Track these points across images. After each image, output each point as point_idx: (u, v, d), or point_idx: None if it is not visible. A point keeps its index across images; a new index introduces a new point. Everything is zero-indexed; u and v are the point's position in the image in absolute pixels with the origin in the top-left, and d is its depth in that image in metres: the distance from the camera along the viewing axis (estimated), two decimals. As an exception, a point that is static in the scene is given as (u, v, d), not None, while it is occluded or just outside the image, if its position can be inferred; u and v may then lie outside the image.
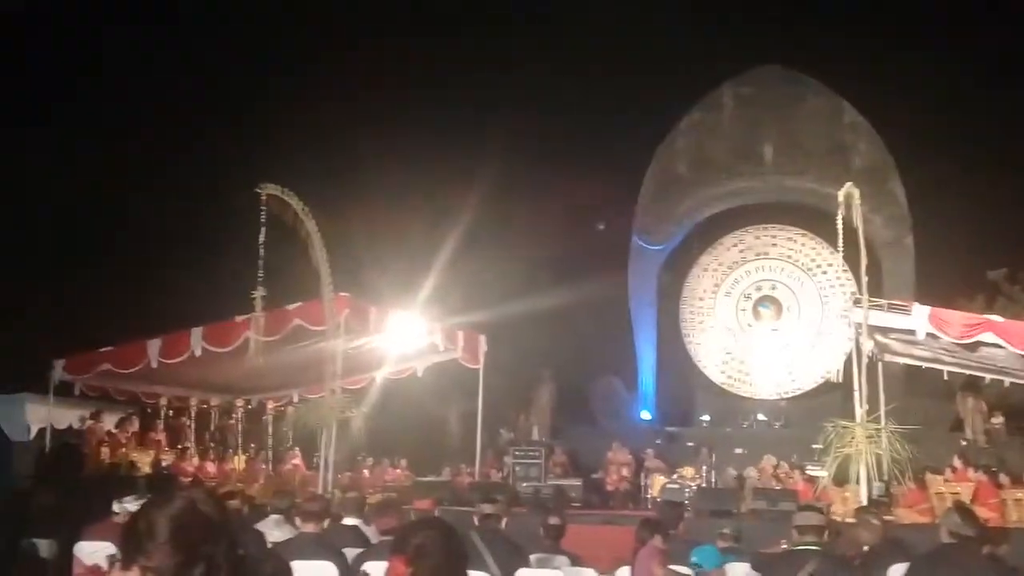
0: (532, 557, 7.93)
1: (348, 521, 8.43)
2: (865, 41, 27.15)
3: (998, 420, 22.37)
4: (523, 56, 28.85)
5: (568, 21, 28.70)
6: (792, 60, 27.72)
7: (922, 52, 26.21)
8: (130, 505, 7.75)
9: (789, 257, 28.27)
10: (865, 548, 7.89)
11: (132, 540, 2.27)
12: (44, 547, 9.10)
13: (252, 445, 22.06)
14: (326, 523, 7.73)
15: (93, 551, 7.61)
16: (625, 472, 22.29)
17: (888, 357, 16.75)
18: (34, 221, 23.29)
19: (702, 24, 28.68)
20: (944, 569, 6.16)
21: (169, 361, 16.35)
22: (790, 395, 27.26)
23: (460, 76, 27.87)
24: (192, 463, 19.89)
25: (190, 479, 18.49)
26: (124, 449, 19.18)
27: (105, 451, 18.76)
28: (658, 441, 24.35)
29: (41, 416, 18.55)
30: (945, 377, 17.60)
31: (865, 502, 11.97)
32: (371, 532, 8.31)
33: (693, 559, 7.16)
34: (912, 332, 14.99)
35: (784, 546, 7.31)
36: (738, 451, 23.60)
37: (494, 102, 28.12)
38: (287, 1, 28.38)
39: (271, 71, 27.60)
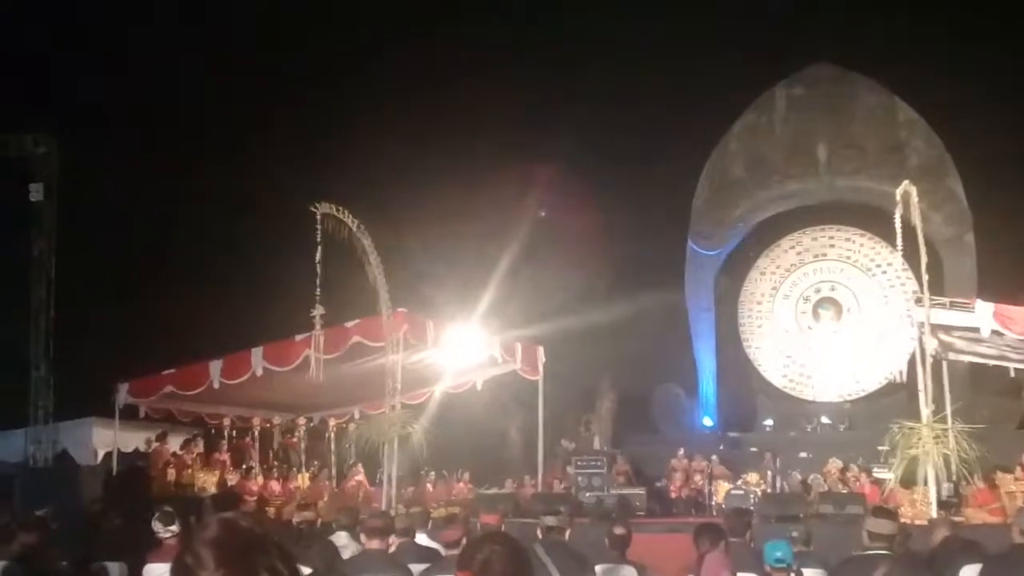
0: (598, 568, 7.89)
1: (419, 539, 8.44)
2: (918, 36, 26.85)
3: (1067, 415, 22.02)
4: (577, 66, 28.87)
5: (620, 27, 28.70)
6: (844, 58, 27.53)
7: (977, 46, 25.88)
8: (173, 527, 7.84)
9: (848, 258, 28.05)
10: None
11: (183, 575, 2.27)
12: (114, 570, 9.19)
13: (315, 463, 22.15)
14: (391, 539, 7.74)
15: (161, 573, 7.67)
16: (698, 479, 22.19)
17: (952, 356, 16.53)
18: (94, 245, 23.59)
19: (753, 26, 28.49)
20: (1018, 570, 6.06)
21: (231, 381, 16.47)
22: (853, 397, 27.02)
23: (516, 88, 27.91)
24: (257, 482, 20.00)
25: (255, 498, 18.61)
26: (190, 470, 19.33)
27: (171, 473, 18.93)
28: (721, 447, 24.24)
29: (108, 440, 18.78)
30: (1012, 374, 17.32)
31: (934, 503, 11.80)
32: (438, 547, 8.31)
33: (776, 554, 7.06)
34: (976, 330, 14.77)
35: (854, 552, 7.22)
36: (802, 455, 23.41)
37: (548, 112, 28.16)
38: (345, 18, 28.60)
39: (327, 87, 27.78)
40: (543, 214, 26.64)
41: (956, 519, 15.40)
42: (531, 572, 3.14)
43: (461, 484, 22.85)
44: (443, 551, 7.61)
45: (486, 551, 3.03)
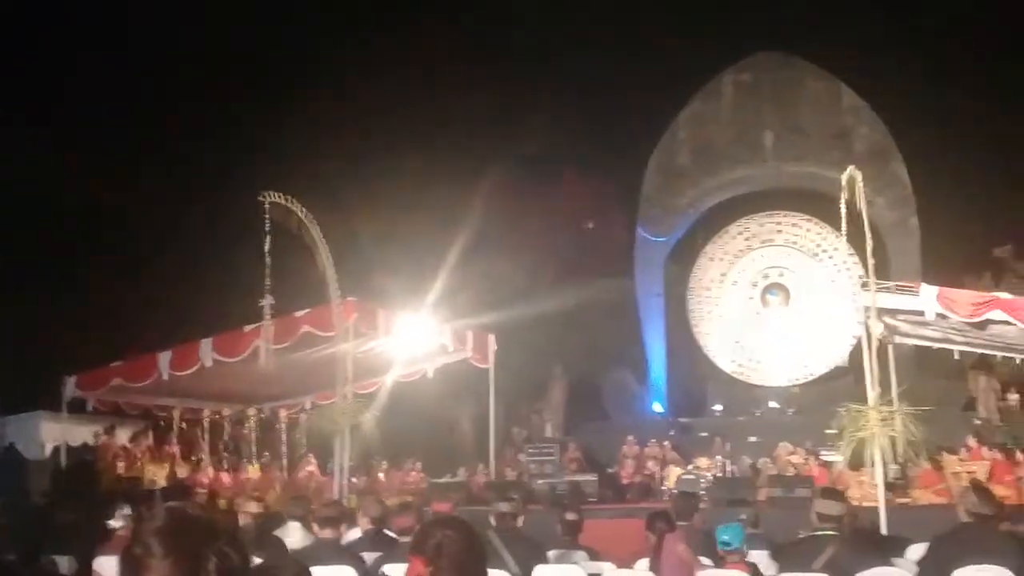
0: (550, 553, 7.94)
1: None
2: (863, 21, 27.07)
3: (1012, 397, 22.35)
4: (525, 55, 28.85)
5: (568, 16, 28.67)
6: (789, 44, 27.74)
7: (919, 30, 26.15)
8: (124, 512, 7.78)
9: (794, 243, 28.27)
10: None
11: (133, 566, 2.27)
12: (64, 564, 9.12)
13: (266, 454, 22.06)
14: (343, 528, 7.74)
15: (112, 566, 7.62)
16: (651, 465, 22.29)
17: (898, 339, 16.68)
18: (37, 236, 23.31)
19: (697, 11, 28.60)
20: (963, 548, 6.16)
21: (180, 373, 16.36)
22: (802, 381, 27.27)
23: (462, 75, 27.84)
24: (207, 474, 19.91)
25: (206, 490, 18.52)
26: (139, 463, 19.22)
27: (120, 466, 18.81)
28: (671, 433, 24.37)
29: (55, 433, 18.60)
30: (956, 357, 17.50)
31: (881, 485, 11.96)
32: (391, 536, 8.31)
33: (723, 537, 7.14)
34: (921, 313, 14.93)
35: (801, 534, 7.31)
36: (752, 439, 23.60)
37: (498, 102, 28.11)
38: (295, 4, 28.42)
39: (271, 73, 27.58)
40: (494, 203, 26.57)
41: (902, 500, 15.70)
42: (484, 556, 3.16)
43: (413, 473, 22.84)
44: (395, 535, 7.62)
45: (438, 536, 3.05)
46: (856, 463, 14.26)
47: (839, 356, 25.67)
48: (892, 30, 26.27)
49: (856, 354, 15.46)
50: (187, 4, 26.72)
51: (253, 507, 8.47)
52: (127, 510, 7.73)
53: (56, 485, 16.81)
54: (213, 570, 2.25)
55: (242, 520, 8.43)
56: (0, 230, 20.51)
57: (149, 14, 26.46)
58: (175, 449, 20.56)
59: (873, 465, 11.97)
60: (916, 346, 18.05)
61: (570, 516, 8.74)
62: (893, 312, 15.18)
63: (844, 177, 11.81)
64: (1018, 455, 18.09)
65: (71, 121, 25.16)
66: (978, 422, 21.32)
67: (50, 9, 25.56)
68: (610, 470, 22.54)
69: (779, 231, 28.54)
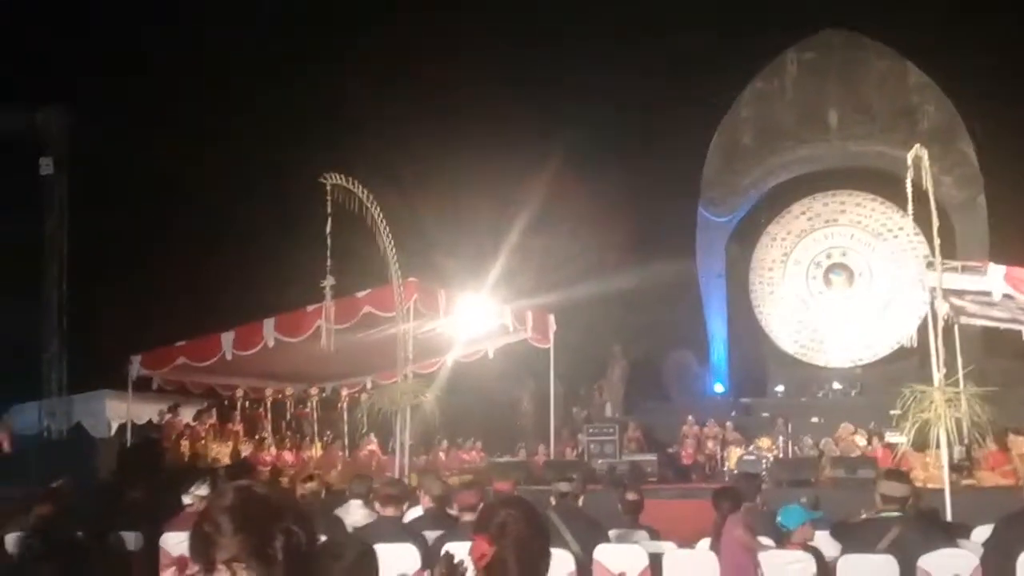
0: (611, 533, 7.95)
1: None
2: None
3: (1080, 377, 21.97)
4: (588, 35, 28.74)
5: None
6: (854, 22, 27.38)
7: (986, 6, 25.71)
8: (200, 491, 7.86)
9: (859, 223, 28.00)
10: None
11: (202, 543, 2.30)
12: (131, 540, 9.26)
13: (328, 432, 22.23)
14: (405, 506, 7.79)
15: (178, 542, 7.72)
16: (711, 445, 22.27)
17: (964, 319, 16.52)
18: (104, 218, 23.59)
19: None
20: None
21: (243, 353, 16.52)
22: (865, 362, 27.04)
23: (526, 58, 27.81)
24: (270, 453, 20.10)
25: (268, 468, 18.71)
26: (203, 441, 19.43)
27: (184, 444, 19.03)
28: (733, 413, 24.30)
29: (121, 412, 18.86)
30: (1023, 337, 17.30)
31: (946, 467, 11.83)
32: (452, 514, 8.34)
33: (779, 519, 7.11)
34: (988, 293, 14.72)
35: (864, 515, 7.24)
36: (814, 420, 23.48)
37: (560, 82, 28.04)
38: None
39: (335, 56, 27.67)
40: (554, 183, 26.52)
41: (967, 481, 15.51)
42: (547, 535, 3.16)
43: (473, 452, 22.93)
44: (456, 511, 7.66)
45: (502, 515, 3.06)
46: (921, 444, 14.10)
47: (904, 336, 25.39)
48: (958, 7, 25.84)
49: (922, 334, 15.26)
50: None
51: (315, 485, 8.54)
52: (204, 489, 7.82)
53: (122, 463, 17.05)
54: (280, 548, 2.27)
55: (304, 498, 8.51)
56: (69, 211, 20.74)
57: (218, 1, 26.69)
58: (238, 428, 20.77)
59: (938, 447, 11.83)
60: (983, 326, 17.86)
61: (631, 496, 8.74)
62: (959, 292, 14.99)
63: (910, 156, 11.65)
64: (1087, 437, 17.77)
65: (140, 102, 25.43)
66: (1046, 403, 20.99)
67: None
68: (670, 450, 22.53)
69: (843, 211, 28.29)
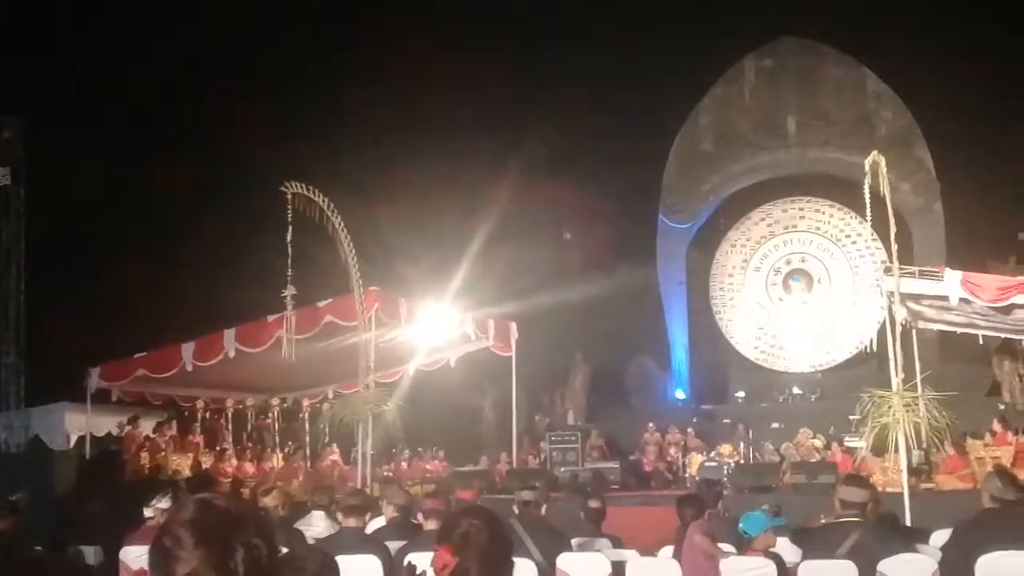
0: (573, 541, 7.95)
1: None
2: (884, 6, 26.89)
3: (1036, 382, 22.22)
4: (549, 44, 28.78)
5: (587, 5, 28.60)
6: (813, 29, 27.57)
7: (944, 13, 25.96)
8: (161, 504, 7.80)
9: (818, 229, 28.21)
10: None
11: (163, 557, 2.29)
12: (90, 554, 9.19)
13: (290, 443, 22.15)
14: (367, 517, 7.76)
15: (138, 555, 7.67)
16: (673, 451, 22.33)
17: (922, 324, 16.65)
18: (61, 228, 23.42)
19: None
20: (987, 534, 6.13)
21: (203, 363, 16.44)
22: (824, 367, 27.22)
23: (486, 65, 27.83)
24: (231, 464, 19.99)
25: (229, 480, 18.60)
26: (163, 453, 19.31)
27: (144, 456, 18.89)
28: (694, 420, 24.38)
29: (80, 424, 18.72)
30: (980, 341, 17.48)
31: (905, 471, 11.93)
32: (416, 524, 8.32)
33: (741, 526, 7.14)
34: (945, 298, 14.89)
35: (824, 519, 7.29)
36: (775, 426, 23.60)
37: (521, 91, 28.08)
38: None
39: (295, 63, 27.59)
40: (515, 191, 26.54)
41: (926, 485, 15.65)
42: (510, 545, 3.17)
43: (436, 461, 22.90)
44: (421, 519, 7.64)
45: (465, 525, 3.06)
46: (880, 449, 14.21)
47: (862, 342, 25.60)
48: (915, 14, 26.08)
49: (880, 339, 15.39)
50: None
51: (276, 497, 8.50)
52: (164, 502, 7.75)
53: (81, 476, 16.91)
54: (241, 561, 2.26)
55: (265, 510, 8.46)
56: (26, 222, 20.58)
57: (174, 11, 26.55)
58: (199, 439, 20.65)
59: (897, 451, 11.93)
60: (940, 331, 18.01)
61: (593, 504, 8.76)
62: (917, 297, 15.14)
63: (868, 162, 11.74)
64: (1043, 440, 17.98)
65: (97, 112, 25.26)
66: (1002, 407, 21.21)
67: (83, 10, 25.64)
68: (632, 457, 22.57)
69: (802, 217, 28.49)
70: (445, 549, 3.04)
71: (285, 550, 3.11)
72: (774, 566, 6.88)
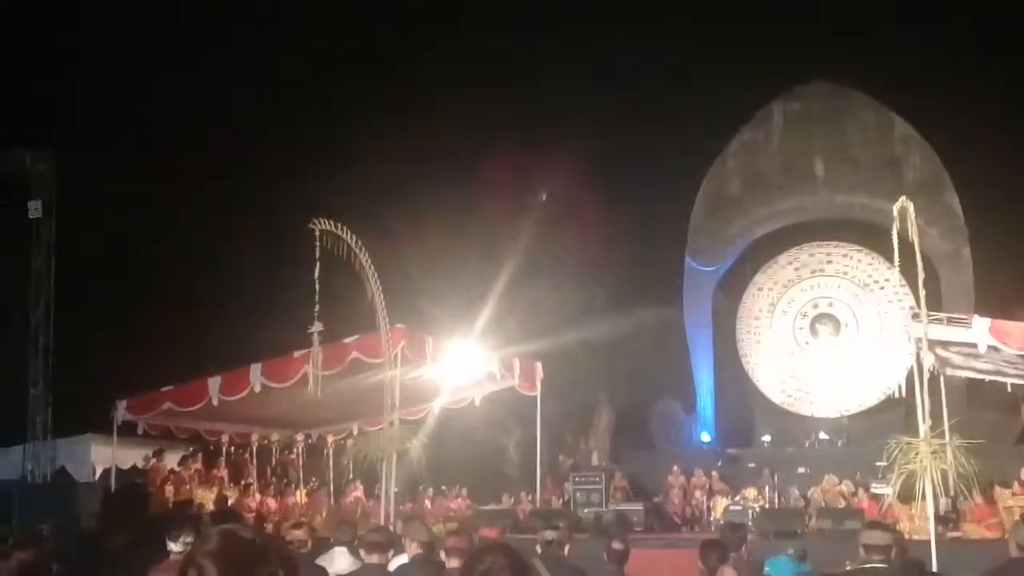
0: (596, 582, 7.92)
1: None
2: (914, 52, 26.95)
3: (1065, 430, 22.03)
4: (576, 85, 29.00)
5: (618, 47, 28.78)
6: (841, 74, 27.63)
7: (973, 60, 25.99)
8: (187, 538, 7.79)
9: (845, 273, 28.11)
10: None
11: None
12: (114, 586, 9.21)
13: (313, 479, 22.14)
14: (390, 554, 7.75)
15: (162, 588, 7.66)
16: (698, 495, 22.22)
17: (950, 371, 16.58)
18: (91, 261, 23.58)
19: (750, 43, 28.63)
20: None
21: (229, 398, 16.48)
22: (851, 412, 27.04)
23: (513, 106, 28.01)
24: (254, 499, 19.99)
25: (253, 515, 18.59)
26: (188, 486, 19.32)
27: (169, 489, 18.91)
28: (719, 463, 24.25)
29: (106, 456, 18.76)
30: (1009, 389, 17.38)
31: (932, 519, 11.82)
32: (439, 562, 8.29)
33: (766, 570, 7.11)
34: (973, 345, 14.80)
35: (849, 566, 7.24)
36: (801, 470, 23.44)
37: (548, 131, 28.23)
38: (345, 29, 28.70)
39: (323, 103, 27.84)
40: (542, 232, 26.61)
41: (953, 534, 15.49)
42: (532, 582, 3.17)
43: (459, 500, 22.84)
44: (443, 557, 7.61)
45: (488, 562, 3.07)
46: (906, 496, 14.10)
47: (889, 388, 25.43)
48: (944, 61, 26.11)
49: (907, 386, 15.30)
50: (236, 34, 27.06)
51: (302, 533, 8.49)
52: (190, 536, 7.75)
53: (106, 508, 16.95)
54: None
55: (291, 543, 8.46)
56: (56, 254, 20.73)
57: (199, 44, 26.84)
58: (223, 473, 20.66)
59: (924, 498, 11.83)
60: (968, 378, 17.91)
61: (616, 545, 8.71)
62: (945, 344, 15.06)
63: (896, 207, 11.70)
64: (1072, 490, 17.79)
65: (128, 145, 25.52)
66: (1031, 455, 21.02)
67: (103, 43, 25.96)
68: (656, 499, 22.45)
69: (829, 261, 28.40)
70: (468, 586, 3.04)
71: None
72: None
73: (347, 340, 15.27)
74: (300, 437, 22.11)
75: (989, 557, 7.73)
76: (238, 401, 16.67)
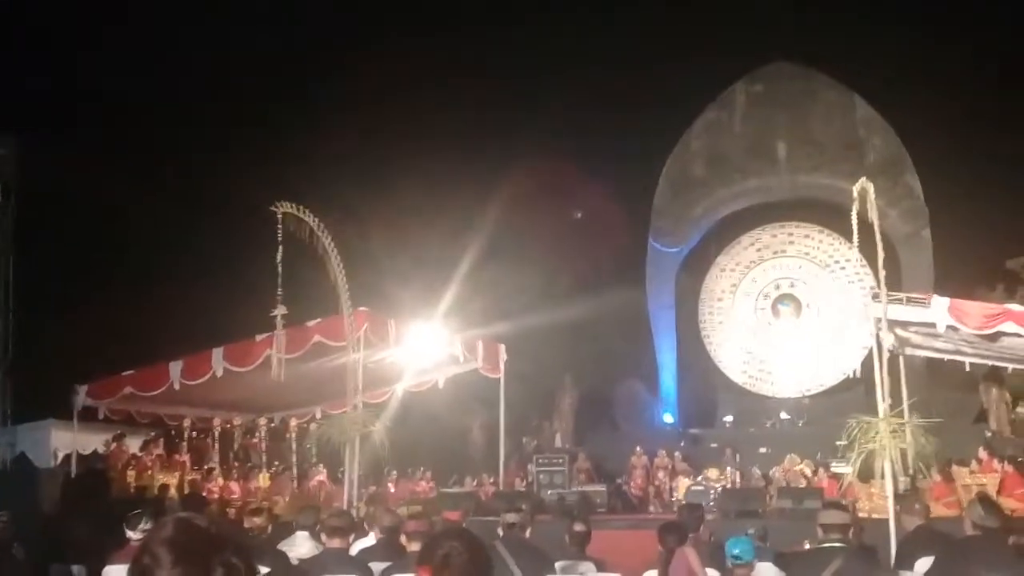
0: (558, 564, 7.94)
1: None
2: (876, 33, 27.12)
3: (1023, 410, 22.25)
4: (539, 67, 28.96)
5: (581, 29, 28.78)
6: (803, 55, 27.74)
7: (934, 42, 26.14)
8: (146, 526, 7.76)
9: (806, 254, 28.27)
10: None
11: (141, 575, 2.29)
12: (75, 572, 9.16)
13: (276, 463, 22.11)
14: (351, 538, 7.75)
15: (121, 573, 7.63)
16: (661, 475, 22.32)
17: (909, 350, 16.71)
18: (51, 247, 23.41)
19: (712, 23, 28.69)
20: (969, 561, 6.14)
21: (191, 382, 16.40)
22: (812, 392, 27.23)
23: (476, 88, 27.94)
24: (217, 483, 19.94)
25: (215, 499, 18.54)
26: (149, 471, 19.24)
27: (131, 474, 18.83)
28: (682, 443, 24.36)
29: (66, 442, 18.65)
30: (967, 368, 17.52)
31: (891, 497, 11.92)
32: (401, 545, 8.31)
33: (734, 551, 7.13)
34: (932, 325, 14.92)
35: (808, 545, 7.30)
36: (762, 450, 23.60)
37: (510, 113, 28.20)
38: (305, 15, 28.56)
39: (285, 85, 27.70)
40: (505, 213, 26.61)
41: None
42: (491, 567, 3.17)
43: (423, 483, 22.85)
44: (405, 541, 7.63)
45: (446, 547, 3.06)
46: (866, 475, 14.20)
47: (850, 367, 25.63)
48: (905, 42, 26.26)
49: (867, 365, 15.41)
50: (205, 14, 26.86)
51: (262, 518, 8.48)
52: (148, 524, 7.72)
53: (67, 494, 16.84)
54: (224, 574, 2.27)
55: (250, 529, 8.44)
56: (14, 239, 20.56)
57: (164, 27, 26.65)
58: (185, 458, 20.59)
59: (883, 477, 11.92)
60: (927, 358, 18.06)
61: (578, 527, 8.73)
62: (904, 324, 15.18)
63: (856, 188, 11.76)
64: (1029, 467, 18.00)
65: (89, 132, 25.31)
66: (989, 434, 21.24)
67: (70, 27, 25.72)
68: (619, 481, 22.55)
69: (791, 242, 28.55)
70: (426, 571, 3.04)
71: (266, 571, 3.12)
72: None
73: (310, 323, 15.22)
74: (263, 421, 22.05)
75: (948, 535, 7.79)
76: (200, 385, 16.58)
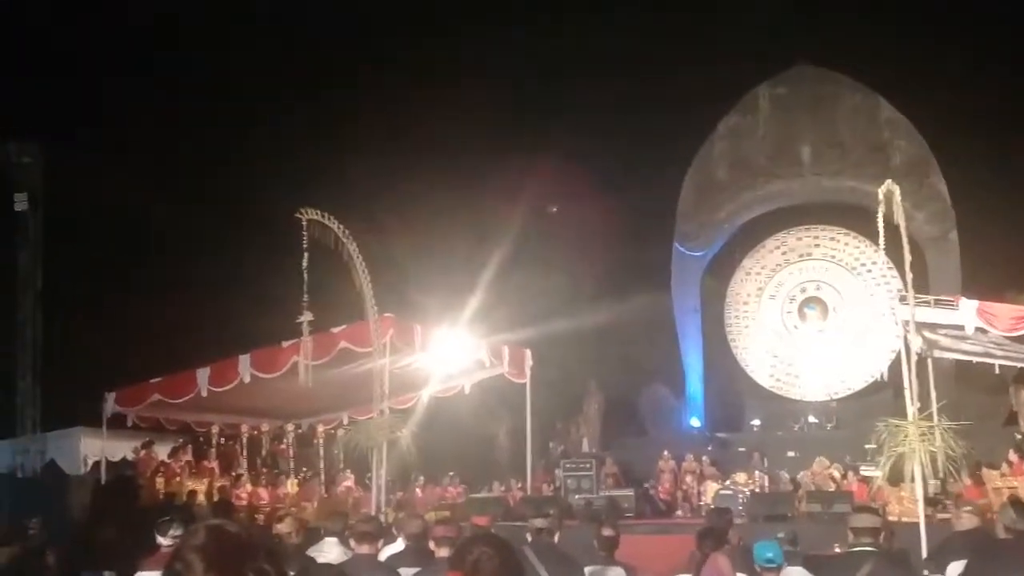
0: (587, 569, 7.92)
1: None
2: (901, 36, 26.98)
3: (1053, 412, 22.06)
4: (563, 72, 28.96)
5: (606, 33, 28.77)
6: (827, 58, 27.63)
7: (959, 43, 25.99)
8: (177, 532, 7.78)
9: (832, 257, 28.15)
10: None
11: None
12: (105, 578, 9.20)
13: (304, 469, 22.16)
14: (380, 543, 7.75)
15: (153, 580, 7.65)
16: (689, 480, 22.26)
17: (937, 353, 16.58)
18: (78, 254, 23.52)
19: (736, 27, 28.62)
20: (1001, 564, 6.10)
21: (219, 389, 16.48)
22: (840, 396, 27.08)
23: (501, 94, 27.97)
24: (245, 489, 19.99)
25: (244, 505, 18.60)
26: (178, 478, 19.32)
27: (159, 481, 18.91)
28: (709, 448, 24.29)
29: (95, 449, 18.77)
30: (996, 371, 17.39)
31: (921, 501, 11.85)
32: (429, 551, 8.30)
33: (767, 555, 7.10)
34: (960, 327, 14.82)
35: (838, 549, 7.26)
36: (790, 454, 23.46)
37: (535, 118, 28.21)
38: (329, 21, 28.65)
39: (311, 93, 27.78)
40: (536, 212, 26.63)
41: (942, 516, 15.53)
42: (521, 572, 3.17)
43: (451, 488, 22.87)
44: (433, 546, 7.62)
45: (476, 552, 3.07)
46: (896, 478, 14.12)
47: (877, 370, 25.50)
48: (930, 43, 26.11)
49: (895, 368, 15.33)
50: (228, 23, 26.96)
51: (290, 524, 8.49)
52: (179, 530, 7.73)
53: (96, 501, 16.94)
54: None
55: (280, 536, 8.45)
56: (43, 247, 20.68)
57: (189, 35, 26.77)
58: (214, 464, 20.66)
59: (913, 480, 11.84)
60: (956, 360, 17.94)
61: (607, 532, 8.71)
62: (933, 326, 15.08)
63: (882, 191, 11.70)
64: (1060, 470, 17.86)
65: (115, 138, 25.44)
66: (1019, 437, 21.06)
67: (95, 36, 25.86)
68: (647, 485, 22.48)
69: (817, 245, 28.44)
70: (457, 575, 3.04)
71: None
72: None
73: (336, 329, 15.28)
74: (290, 427, 22.13)
75: (979, 538, 7.74)
76: (227, 392, 16.67)
